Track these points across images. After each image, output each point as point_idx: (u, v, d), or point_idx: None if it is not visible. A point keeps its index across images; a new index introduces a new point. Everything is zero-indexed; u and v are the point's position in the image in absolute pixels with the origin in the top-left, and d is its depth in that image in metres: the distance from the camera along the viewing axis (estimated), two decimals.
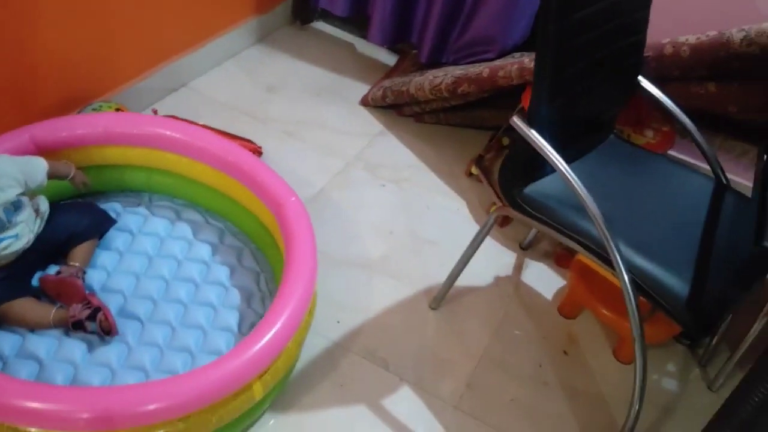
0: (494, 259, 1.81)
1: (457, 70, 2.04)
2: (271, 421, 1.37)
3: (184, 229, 1.67)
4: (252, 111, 2.12)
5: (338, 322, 1.58)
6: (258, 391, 1.25)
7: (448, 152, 2.13)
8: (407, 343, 1.57)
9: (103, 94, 1.87)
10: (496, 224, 1.91)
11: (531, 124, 1.24)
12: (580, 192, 1.22)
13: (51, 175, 1.46)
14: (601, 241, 1.23)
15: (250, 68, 2.33)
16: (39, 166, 1.45)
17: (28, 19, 1.59)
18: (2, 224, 1.35)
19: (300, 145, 2.04)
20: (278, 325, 1.27)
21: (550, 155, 1.23)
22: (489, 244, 1.85)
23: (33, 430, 1.11)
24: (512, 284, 1.76)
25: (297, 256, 1.39)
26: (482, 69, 1.93)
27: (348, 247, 1.76)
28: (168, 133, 1.63)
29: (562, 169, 1.23)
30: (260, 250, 1.66)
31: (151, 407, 1.12)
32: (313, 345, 1.51)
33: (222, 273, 1.58)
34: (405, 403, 1.44)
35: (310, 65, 2.41)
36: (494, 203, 1.92)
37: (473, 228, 1.88)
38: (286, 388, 1.42)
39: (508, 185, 1.35)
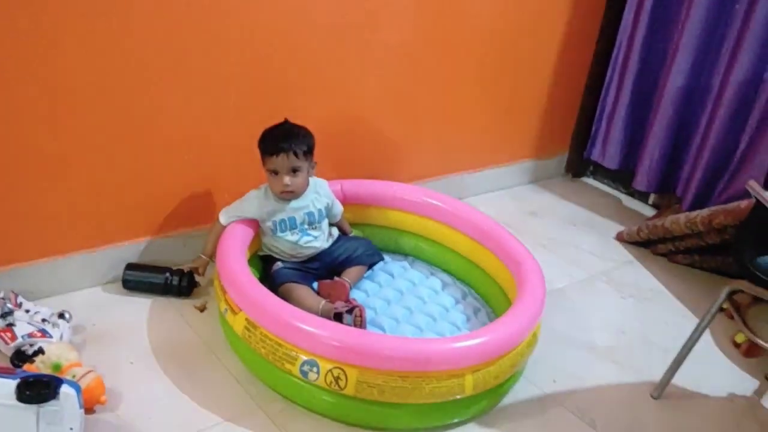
0: (733, 381, 1.74)
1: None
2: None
3: (435, 282, 1.94)
4: (512, 224, 2.38)
5: (554, 381, 1.65)
6: (469, 383, 1.39)
7: (697, 290, 2.13)
8: (621, 415, 1.57)
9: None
10: (741, 352, 1.85)
11: None
12: None
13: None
14: None
15: (518, 198, 2.67)
16: (340, 207, 1.91)
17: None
18: (314, 221, 1.79)
19: (549, 254, 2.24)
20: (501, 330, 1.44)
21: None
22: (730, 368, 1.79)
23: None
24: (749, 405, 1.66)
25: (528, 288, 1.58)
26: (741, 202, 1.99)
27: (576, 332, 1.85)
28: (436, 202, 1.99)
29: None
30: (495, 313, 1.85)
31: (384, 353, 1.35)
32: (526, 390, 1.60)
33: (458, 318, 1.79)
34: None
35: (573, 204, 2.67)
36: (740, 331, 1.87)
37: (713, 350, 1.85)
38: (493, 412, 1.52)
39: (741, 251, 1.40)
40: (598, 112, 2.71)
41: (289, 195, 1.73)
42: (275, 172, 1.69)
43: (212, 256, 1.80)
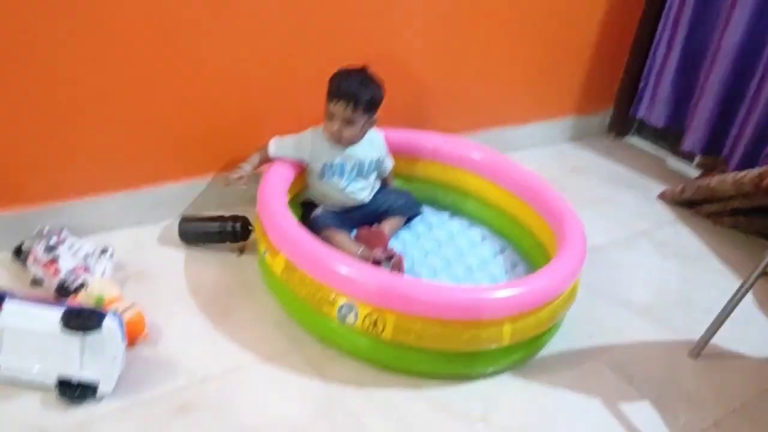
0: None
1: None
2: (510, 382, 1.47)
3: (474, 234, 1.93)
4: (553, 181, 2.30)
5: (591, 336, 1.64)
6: (507, 333, 1.38)
7: (742, 252, 2.08)
8: (657, 371, 1.56)
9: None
10: None
11: None
12: None
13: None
14: None
15: (560, 154, 2.62)
16: (390, 163, 1.91)
17: None
18: (363, 172, 1.79)
19: (590, 211, 2.18)
20: (541, 281, 1.43)
21: None
22: None
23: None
24: None
25: (569, 241, 1.56)
26: None
27: (615, 290, 1.83)
28: (477, 155, 1.96)
29: None
30: (534, 268, 1.82)
31: (423, 299, 1.35)
32: (562, 344, 1.59)
33: (497, 270, 1.78)
34: (639, 415, 1.42)
35: (616, 164, 2.61)
36: None
37: (755, 313, 1.81)
38: (529, 363, 1.52)
39: None
40: (646, 67, 2.62)
41: (337, 141, 1.71)
42: (331, 116, 1.68)
43: (254, 169, 1.76)
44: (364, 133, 1.75)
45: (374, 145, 1.80)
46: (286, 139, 1.75)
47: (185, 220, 1.76)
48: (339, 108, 1.66)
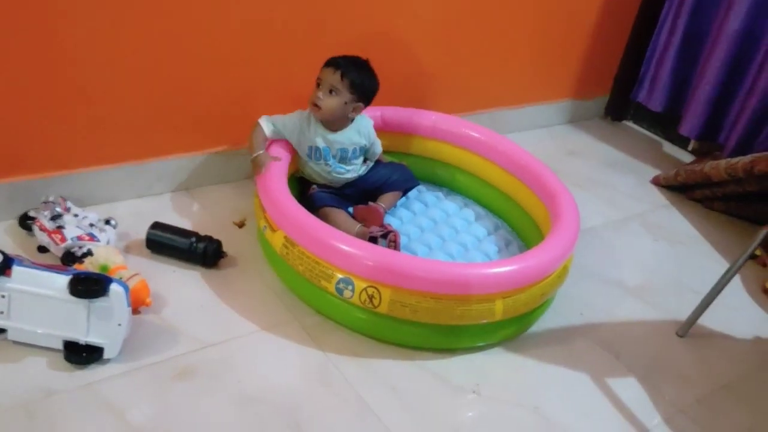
0: (759, 326, 1.76)
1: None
2: (501, 355, 1.51)
3: (468, 213, 1.97)
4: (549, 163, 2.34)
5: (581, 314, 1.68)
6: (498, 309, 1.43)
7: (732, 237, 2.13)
8: (644, 348, 1.61)
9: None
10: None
11: None
12: None
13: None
14: None
15: (556, 137, 2.65)
16: (379, 149, 1.92)
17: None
18: (346, 157, 1.81)
19: (585, 193, 2.23)
20: (534, 259, 1.47)
21: None
22: (758, 313, 1.82)
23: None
24: None
25: (562, 220, 1.59)
26: None
27: (607, 269, 1.87)
28: (474, 134, 2.00)
29: None
30: (527, 246, 1.87)
31: (418, 274, 1.39)
32: (553, 321, 1.64)
33: (490, 248, 1.82)
34: (626, 388, 1.48)
35: (612, 147, 2.64)
36: None
37: (743, 295, 1.86)
38: (521, 338, 1.56)
39: None
40: (648, 52, 2.65)
41: (315, 109, 1.71)
42: (318, 82, 1.71)
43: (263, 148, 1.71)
44: (344, 115, 1.73)
45: (362, 132, 1.81)
46: (274, 116, 1.75)
47: (156, 227, 1.62)
48: (327, 74, 1.68)
